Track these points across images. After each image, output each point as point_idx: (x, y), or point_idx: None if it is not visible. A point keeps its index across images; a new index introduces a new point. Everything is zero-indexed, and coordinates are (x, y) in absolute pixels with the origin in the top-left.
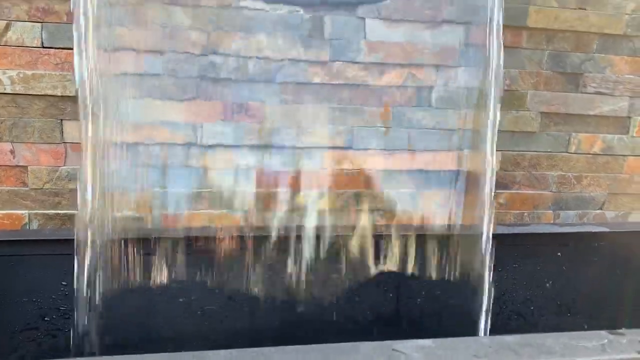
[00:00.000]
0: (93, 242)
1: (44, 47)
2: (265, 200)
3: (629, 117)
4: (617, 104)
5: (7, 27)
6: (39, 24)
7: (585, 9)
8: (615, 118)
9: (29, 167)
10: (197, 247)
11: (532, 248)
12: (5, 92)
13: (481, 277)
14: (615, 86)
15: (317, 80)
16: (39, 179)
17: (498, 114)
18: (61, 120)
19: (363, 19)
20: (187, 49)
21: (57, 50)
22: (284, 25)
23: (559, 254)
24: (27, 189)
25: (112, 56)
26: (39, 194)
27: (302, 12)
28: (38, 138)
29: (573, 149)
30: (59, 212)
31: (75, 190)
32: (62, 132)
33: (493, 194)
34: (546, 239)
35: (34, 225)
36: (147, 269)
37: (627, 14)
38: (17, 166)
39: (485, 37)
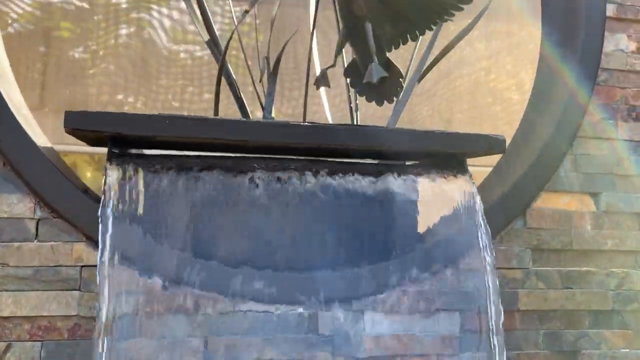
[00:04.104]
0: None
1: None
2: None
3: None
4: None
5: (6, 349)
6: (39, 343)
7: (571, 288)
8: None
9: None
10: None
11: None
12: None
13: None
14: None
15: None
16: None
17: None
18: None
19: (361, 311)
20: (184, 357)
21: None
22: (283, 324)
23: None
24: None
25: None
26: None
27: (300, 309)
28: None
29: None
30: None
31: None
32: None
33: None
34: None
35: None
36: None
37: (611, 289)
38: None
39: (482, 322)
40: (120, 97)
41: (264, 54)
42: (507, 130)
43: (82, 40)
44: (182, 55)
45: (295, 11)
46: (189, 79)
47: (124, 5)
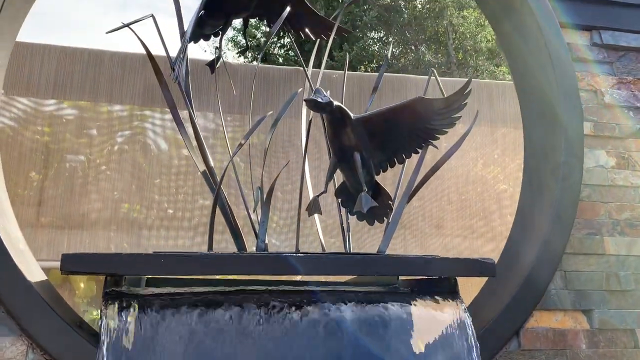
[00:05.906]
0: None
1: None
2: None
3: None
4: None
5: None
6: None
7: None
8: None
9: None
10: None
11: None
12: None
13: None
14: None
15: None
16: None
17: None
18: None
19: None
20: None
21: None
22: None
23: None
24: None
25: None
26: None
27: None
28: None
29: None
30: None
31: None
32: None
33: None
34: None
35: None
36: None
37: None
38: None
39: None
40: (114, 203)
41: (257, 165)
42: (498, 226)
43: (81, 150)
44: (175, 161)
45: (287, 121)
46: (182, 182)
47: (121, 113)
